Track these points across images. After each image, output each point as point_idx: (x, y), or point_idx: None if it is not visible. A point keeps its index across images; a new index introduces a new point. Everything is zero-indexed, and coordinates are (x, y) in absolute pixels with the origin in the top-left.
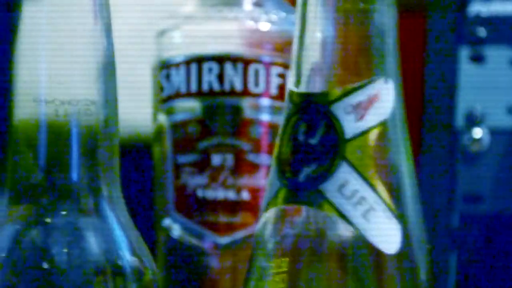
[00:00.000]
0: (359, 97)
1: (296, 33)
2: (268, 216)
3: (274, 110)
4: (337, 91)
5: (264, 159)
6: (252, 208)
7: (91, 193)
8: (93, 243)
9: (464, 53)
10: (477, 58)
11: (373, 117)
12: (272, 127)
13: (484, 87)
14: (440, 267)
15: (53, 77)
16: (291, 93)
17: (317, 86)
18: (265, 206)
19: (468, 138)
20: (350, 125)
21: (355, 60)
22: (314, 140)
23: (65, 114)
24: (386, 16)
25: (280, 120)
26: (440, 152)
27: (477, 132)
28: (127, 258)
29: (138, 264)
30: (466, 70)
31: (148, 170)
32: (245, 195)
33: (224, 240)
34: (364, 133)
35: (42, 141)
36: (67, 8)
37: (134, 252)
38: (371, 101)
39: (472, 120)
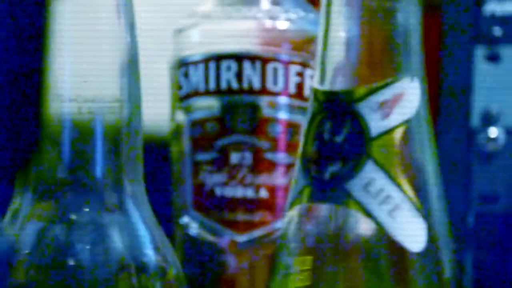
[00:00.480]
0: (384, 95)
1: (320, 31)
2: (293, 214)
3: (292, 109)
4: (362, 89)
5: (282, 157)
6: (270, 206)
7: (115, 190)
8: (117, 240)
9: (480, 52)
10: (493, 58)
11: (398, 116)
12: (290, 126)
13: (499, 86)
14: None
15: (77, 75)
16: (316, 91)
17: (342, 85)
18: (290, 204)
19: (484, 138)
20: (376, 124)
21: (380, 59)
22: (340, 138)
23: (89, 111)
24: (411, 14)
25: (297, 118)
26: (456, 151)
27: (493, 132)
28: (151, 255)
29: (162, 261)
30: (482, 69)
31: (165, 168)
32: (263, 193)
33: (242, 238)
34: (390, 131)
35: (66, 139)
36: (91, 5)
37: (158, 249)
38: (396, 99)
39: (488, 120)
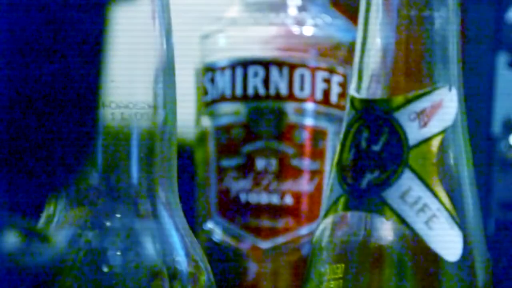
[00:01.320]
0: (422, 104)
1: (358, 39)
2: (328, 222)
3: (318, 115)
4: (400, 98)
5: (307, 163)
6: (295, 213)
7: (148, 196)
8: (150, 246)
9: (502, 59)
10: None
11: (436, 124)
12: (316, 132)
13: None
14: None
15: (111, 80)
16: (353, 99)
17: (379, 93)
18: (325, 212)
19: (505, 145)
20: (413, 132)
21: (417, 67)
22: (377, 146)
23: (123, 117)
24: (449, 22)
25: (324, 124)
26: (477, 159)
27: None
28: (184, 262)
29: (194, 268)
30: (504, 76)
31: (190, 173)
32: (288, 200)
33: (265, 244)
34: (427, 140)
35: (99, 145)
36: (128, 11)
37: (190, 256)
38: (434, 108)
39: (509, 127)
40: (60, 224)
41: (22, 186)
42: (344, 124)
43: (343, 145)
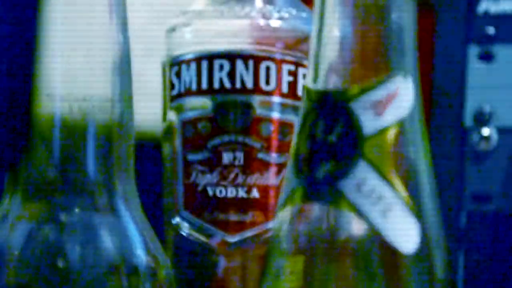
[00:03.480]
0: (378, 93)
1: (313, 30)
2: (285, 214)
3: (285, 108)
4: (355, 88)
5: (274, 157)
6: (262, 206)
7: (106, 190)
8: (107, 241)
9: (473, 51)
10: (486, 57)
11: (391, 115)
12: (283, 125)
13: (493, 85)
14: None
15: (68, 74)
16: (309, 90)
17: (335, 84)
18: (282, 204)
19: (477, 137)
20: (369, 122)
21: (374, 57)
22: (332, 137)
23: (79, 110)
24: (405, 12)
25: (290, 118)
26: (449, 150)
27: (486, 131)
28: (142, 256)
29: (152, 262)
30: (475, 68)
31: (157, 168)
32: (255, 194)
33: (233, 238)
34: (383, 130)
35: (56, 138)
36: (83, 4)
37: (148, 251)
38: (390, 98)
39: (481, 119)
40: (16, 218)
41: None
42: (300, 116)
43: (299, 137)
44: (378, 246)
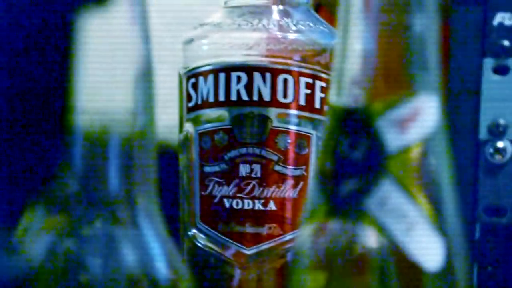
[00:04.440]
0: (402, 111)
1: (337, 45)
2: (308, 230)
3: (302, 121)
4: (380, 105)
5: (291, 169)
6: (279, 219)
7: (127, 203)
8: (128, 254)
9: (488, 64)
10: (501, 70)
11: (416, 132)
12: (300, 138)
13: (507, 99)
14: None
15: (89, 86)
16: (333, 106)
17: (359, 100)
18: (305, 220)
19: (491, 150)
20: (393, 140)
21: (397, 74)
22: (357, 154)
23: (101, 123)
24: (429, 29)
25: (307, 130)
26: (463, 163)
27: (500, 144)
28: (163, 270)
29: (173, 276)
30: (490, 81)
31: (173, 179)
32: (272, 206)
33: (249, 251)
34: (407, 147)
35: (78, 151)
36: (107, 17)
37: (169, 265)
38: (414, 115)
39: (496, 132)
40: (38, 232)
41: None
42: (324, 132)
43: (323, 153)
44: (402, 263)
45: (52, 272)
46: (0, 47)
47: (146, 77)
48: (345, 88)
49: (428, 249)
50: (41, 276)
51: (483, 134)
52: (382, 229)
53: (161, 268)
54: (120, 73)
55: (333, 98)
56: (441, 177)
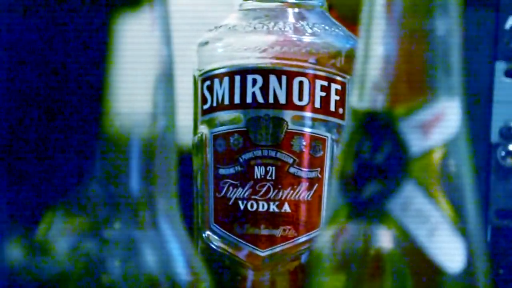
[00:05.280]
0: (425, 114)
1: (359, 49)
2: (330, 232)
3: (317, 123)
4: (402, 109)
5: (306, 172)
6: (294, 221)
7: (148, 205)
8: (149, 256)
9: (500, 67)
10: None
11: (439, 135)
12: (315, 140)
13: None
14: None
15: (112, 88)
16: (354, 110)
17: (381, 103)
18: (327, 221)
19: (503, 153)
20: (416, 143)
21: (420, 77)
22: (379, 157)
23: (122, 125)
24: (451, 33)
25: (322, 133)
26: (475, 166)
27: None
28: (183, 272)
29: (194, 278)
30: (502, 84)
31: (187, 181)
32: (287, 208)
33: (263, 253)
34: (430, 151)
35: (99, 153)
36: (128, 16)
37: (190, 266)
38: (437, 118)
39: (507, 135)
40: (58, 234)
41: (23, 196)
42: (346, 135)
43: (344, 156)
44: (424, 266)
45: (73, 273)
46: (34, 49)
47: (167, 79)
48: (367, 92)
49: (450, 251)
50: (62, 278)
51: (494, 137)
52: (404, 232)
53: (181, 270)
54: (141, 75)
55: (355, 101)
56: (462, 180)
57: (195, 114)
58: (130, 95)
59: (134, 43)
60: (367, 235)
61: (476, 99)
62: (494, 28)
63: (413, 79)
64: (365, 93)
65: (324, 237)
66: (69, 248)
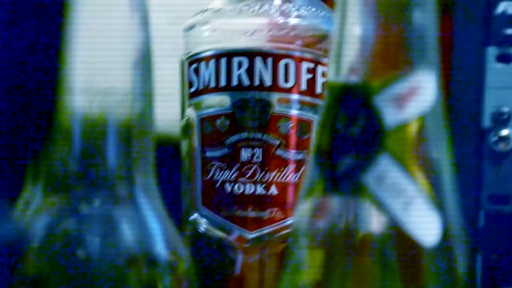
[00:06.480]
0: (400, 87)
1: (335, 26)
2: (305, 207)
3: (303, 106)
4: (378, 82)
5: (293, 154)
6: (281, 203)
7: (126, 183)
8: (127, 233)
9: (492, 52)
10: (505, 58)
11: (414, 109)
12: (302, 122)
13: (511, 86)
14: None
15: (88, 68)
16: (330, 84)
17: (357, 79)
18: (303, 197)
19: (495, 138)
20: (391, 116)
21: (396, 53)
22: (354, 131)
23: (100, 104)
24: (427, 8)
25: (309, 115)
26: (467, 151)
27: (504, 132)
28: (161, 248)
29: (172, 254)
30: (493, 69)
31: (176, 165)
32: (274, 190)
33: (251, 235)
34: (405, 124)
35: (77, 131)
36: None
37: (168, 242)
38: (412, 91)
39: (499, 120)
40: (37, 211)
41: None
42: (321, 109)
43: (320, 130)
44: (399, 240)
45: (51, 250)
46: None
47: (143, 60)
48: (344, 67)
49: (425, 225)
50: (41, 255)
51: (486, 122)
52: (380, 205)
53: (160, 247)
54: (119, 57)
55: (331, 75)
56: (439, 153)
57: (182, 98)
58: (107, 75)
59: (111, 23)
60: (344, 209)
61: (468, 85)
62: (486, 13)
63: (389, 53)
64: (341, 68)
65: (301, 212)
66: (47, 225)
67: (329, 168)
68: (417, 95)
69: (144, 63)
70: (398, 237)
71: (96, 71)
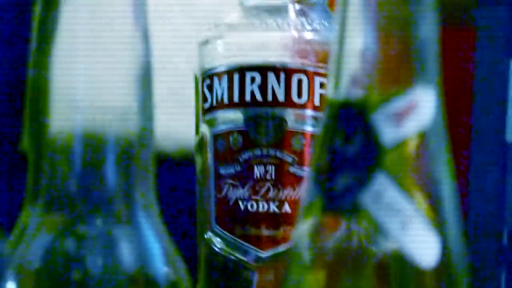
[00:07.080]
0: (398, 104)
1: (334, 39)
2: (304, 226)
3: (317, 121)
4: (375, 98)
5: (306, 171)
6: (294, 221)
7: (126, 201)
8: (126, 252)
9: None
10: None
11: (412, 125)
12: (315, 139)
13: None
14: (490, 285)
15: (89, 83)
16: (329, 100)
17: (356, 94)
18: (301, 216)
19: None
20: (389, 133)
21: (395, 68)
22: (352, 148)
23: (100, 121)
24: (428, 24)
25: None
26: (490, 166)
27: None
28: (161, 268)
29: (172, 274)
30: None
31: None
32: (287, 208)
33: (266, 253)
34: (404, 141)
35: (76, 149)
36: (106, 12)
37: (168, 262)
38: (410, 108)
39: None
40: (35, 230)
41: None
42: (321, 126)
43: (319, 147)
44: (397, 259)
45: (50, 271)
46: None
47: (145, 76)
48: (343, 83)
49: (424, 245)
50: (40, 275)
51: (510, 136)
52: (377, 224)
53: (160, 266)
54: (118, 72)
55: (330, 92)
56: (438, 172)
57: (197, 114)
58: (107, 93)
59: (112, 41)
60: (342, 228)
61: (491, 98)
62: (508, 26)
63: (388, 69)
64: (340, 83)
65: (299, 231)
66: (46, 246)
67: (326, 186)
68: (416, 111)
69: (145, 79)
70: (397, 257)
71: (95, 88)
